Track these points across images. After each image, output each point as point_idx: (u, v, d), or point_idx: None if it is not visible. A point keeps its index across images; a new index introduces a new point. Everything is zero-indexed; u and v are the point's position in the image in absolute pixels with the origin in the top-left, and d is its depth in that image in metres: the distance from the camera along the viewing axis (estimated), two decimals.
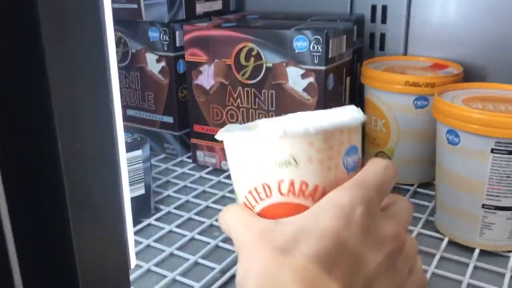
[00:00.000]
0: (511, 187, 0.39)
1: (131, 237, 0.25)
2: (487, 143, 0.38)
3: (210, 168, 0.58)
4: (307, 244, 0.21)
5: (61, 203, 0.19)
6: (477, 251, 0.42)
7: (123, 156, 0.24)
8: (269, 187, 0.27)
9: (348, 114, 0.28)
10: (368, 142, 0.55)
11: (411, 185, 0.53)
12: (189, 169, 0.59)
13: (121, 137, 0.24)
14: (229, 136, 0.29)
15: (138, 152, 0.44)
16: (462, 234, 0.42)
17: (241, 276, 0.22)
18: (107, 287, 0.22)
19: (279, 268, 0.21)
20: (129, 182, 0.44)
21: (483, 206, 0.40)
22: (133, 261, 0.26)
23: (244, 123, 0.52)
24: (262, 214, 0.27)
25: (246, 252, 0.23)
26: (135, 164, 0.44)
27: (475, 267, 0.40)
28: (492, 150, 0.38)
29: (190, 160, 0.60)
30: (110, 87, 0.22)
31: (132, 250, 0.26)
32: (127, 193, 0.25)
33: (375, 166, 0.25)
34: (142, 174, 0.45)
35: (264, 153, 0.27)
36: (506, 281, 0.38)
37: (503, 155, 0.38)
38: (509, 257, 0.41)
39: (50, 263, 0.20)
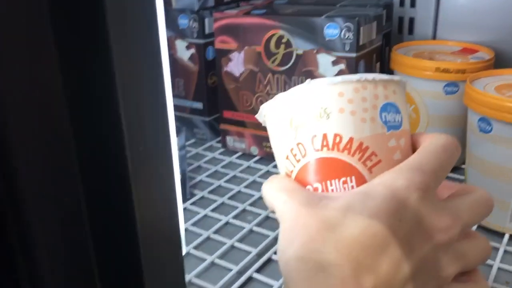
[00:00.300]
0: None
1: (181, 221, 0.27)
2: None
3: (239, 153, 0.60)
4: (354, 223, 0.20)
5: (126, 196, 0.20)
6: (507, 236, 0.42)
7: (175, 148, 0.25)
8: (303, 145, 0.27)
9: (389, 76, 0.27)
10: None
11: None
12: (219, 154, 0.60)
13: (172, 132, 0.25)
14: (264, 106, 0.29)
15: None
16: (492, 220, 0.43)
17: (283, 246, 0.21)
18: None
19: (324, 244, 0.20)
20: None
21: None
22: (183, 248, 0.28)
23: None
24: (299, 176, 0.26)
25: (290, 222, 0.22)
26: None
27: (505, 252, 0.41)
28: None
29: (219, 145, 0.62)
30: (163, 86, 0.23)
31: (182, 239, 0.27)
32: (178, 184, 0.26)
33: (434, 145, 0.23)
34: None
35: (294, 109, 0.27)
36: None
37: None
38: None
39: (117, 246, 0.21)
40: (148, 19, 0.20)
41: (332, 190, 0.24)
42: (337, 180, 0.25)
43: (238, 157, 0.59)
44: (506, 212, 0.42)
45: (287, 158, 0.27)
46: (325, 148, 0.26)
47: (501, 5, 0.56)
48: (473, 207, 0.23)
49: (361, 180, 0.24)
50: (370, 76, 0.26)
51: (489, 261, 0.39)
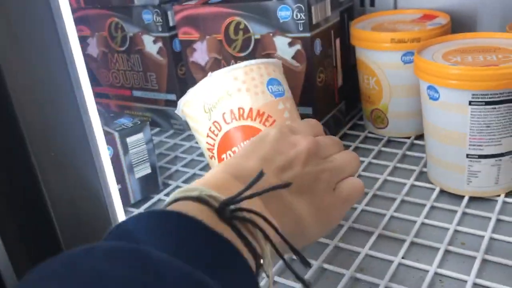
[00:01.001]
0: (491, 136, 0.40)
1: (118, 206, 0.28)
2: (465, 96, 0.40)
3: None
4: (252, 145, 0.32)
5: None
6: (466, 199, 0.44)
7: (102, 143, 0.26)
8: (218, 123, 0.38)
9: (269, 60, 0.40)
10: (364, 100, 0.57)
11: (408, 137, 0.55)
12: (196, 143, 0.62)
13: (96, 126, 0.26)
14: (180, 102, 0.40)
15: (140, 135, 0.48)
16: (451, 184, 0.44)
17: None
18: None
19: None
20: (135, 163, 0.48)
21: (468, 156, 0.42)
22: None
23: None
24: (220, 146, 0.38)
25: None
26: (138, 147, 0.48)
27: (464, 213, 0.42)
28: (470, 103, 0.40)
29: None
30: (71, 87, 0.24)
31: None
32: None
33: (306, 121, 0.36)
34: (147, 155, 0.48)
35: (205, 97, 0.38)
36: (492, 223, 0.40)
37: (480, 107, 0.39)
38: (496, 201, 0.43)
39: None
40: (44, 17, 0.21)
41: None
42: (247, 141, 0.36)
43: None
44: (462, 175, 0.43)
45: (207, 136, 0.38)
46: (234, 120, 0.37)
47: None
48: (347, 159, 0.34)
49: None
50: (253, 61, 0.38)
51: (446, 224, 0.41)
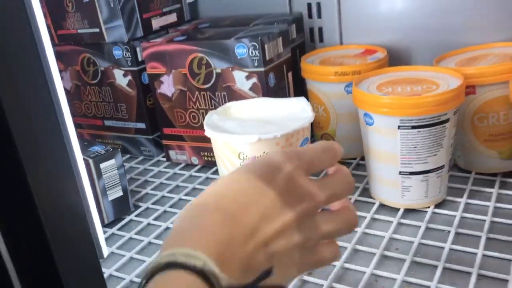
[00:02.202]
0: (419, 156, 0.47)
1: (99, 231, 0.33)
2: (394, 122, 0.46)
3: (182, 164, 0.67)
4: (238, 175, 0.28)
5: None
6: (401, 211, 0.50)
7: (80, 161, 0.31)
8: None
9: (300, 108, 0.48)
10: (315, 126, 0.63)
11: (354, 159, 0.61)
12: (164, 167, 0.67)
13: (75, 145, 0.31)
14: (217, 135, 0.45)
15: (112, 161, 0.52)
16: (388, 198, 0.51)
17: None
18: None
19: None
20: (108, 187, 0.53)
21: (400, 173, 0.48)
22: (105, 251, 0.35)
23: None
24: None
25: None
26: (110, 172, 0.52)
27: (399, 223, 0.49)
28: (399, 127, 0.46)
29: (164, 159, 0.69)
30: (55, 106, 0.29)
31: (102, 242, 0.34)
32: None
33: (315, 145, 0.31)
34: (118, 179, 0.53)
35: (246, 149, 0.43)
36: (421, 231, 0.46)
37: (408, 130, 0.46)
38: (426, 212, 0.49)
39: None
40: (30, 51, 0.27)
41: None
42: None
43: (180, 168, 0.66)
44: (397, 190, 0.49)
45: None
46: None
47: (394, 10, 0.63)
48: (343, 182, 0.31)
49: None
50: (294, 128, 0.44)
51: (384, 233, 0.47)
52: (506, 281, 0.39)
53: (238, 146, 0.43)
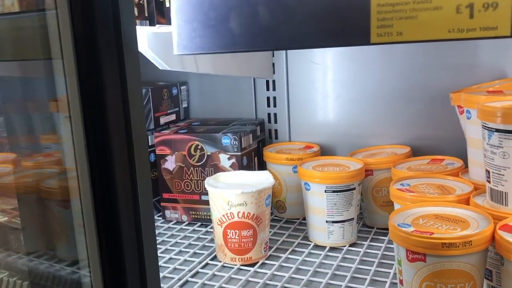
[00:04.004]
0: (338, 210, 0.76)
1: None
2: (322, 187, 0.75)
3: (174, 221, 0.91)
4: None
5: None
6: (327, 248, 0.77)
7: None
8: (232, 214, 0.70)
9: (265, 177, 0.75)
10: (272, 194, 0.91)
11: (299, 218, 0.89)
12: (160, 223, 0.91)
13: None
14: (215, 188, 0.72)
15: None
16: (319, 239, 0.78)
17: None
18: None
19: None
20: None
21: (326, 222, 0.76)
22: None
23: (195, 191, 0.87)
24: (229, 225, 0.70)
25: None
26: None
27: (326, 256, 0.75)
28: (325, 191, 0.75)
29: (160, 218, 0.93)
30: None
31: None
32: None
33: None
34: None
35: (233, 198, 0.70)
36: (337, 260, 0.73)
37: (331, 193, 0.75)
38: (343, 249, 0.77)
39: None
40: None
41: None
42: (245, 231, 0.70)
43: (173, 224, 0.91)
44: (325, 233, 0.77)
45: (222, 216, 0.70)
46: (243, 218, 0.70)
47: (326, 121, 0.96)
48: None
49: (255, 231, 0.70)
50: (264, 185, 0.71)
51: (308, 267, 0.73)
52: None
53: (228, 196, 0.70)
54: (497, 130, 0.55)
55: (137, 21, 0.83)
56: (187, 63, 0.68)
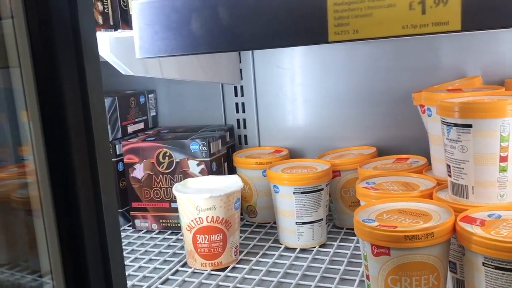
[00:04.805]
0: (307, 211, 0.76)
1: None
2: (291, 189, 0.76)
3: (144, 230, 0.90)
4: None
5: None
6: (298, 250, 0.77)
7: None
8: (201, 218, 0.69)
9: (234, 181, 0.73)
10: (242, 199, 0.91)
11: (269, 222, 0.89)
12: (130, 233, 0.90)
13: None
14: (183, 194, 0.71)
15: None
16: (289, 241, 0.78)
17: None
18: None
19: None
20: None
21: (296, 223, 0.77)
22: None
23: (165, 199, 0.86)
24: (198, 230, 0.69)
25: None
26: None
27: (296, 257, 0.75)
28: (294, 193, 0.76)
29: (130, 228, 0.92)
30: None
31: None
32: None
33: None
34: None
35: (202, 203, 0.69)
36: (307, 261, 0.73)
37: (300, 194, 0.75)
38: (312, 250, 0.77)
39: None
40: None
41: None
42: (214, 235, 0.69)
43: (143, 233, 0.90)
44: (295, 235, 0.77)
45: (191, 221, 0.70)
46: (212, 222, 0.69)
47: (295, 125, 0.96)
48: None
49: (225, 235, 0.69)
50: (232, 189, 0.71)
51: (278, 269, 0.73)
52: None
53: (196, 201, 0.69)
54: (455, 125, 0.56)
55: (102, 30, 0.83)
56: (151, 68, 0.68)
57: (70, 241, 0.40)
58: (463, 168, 0.57)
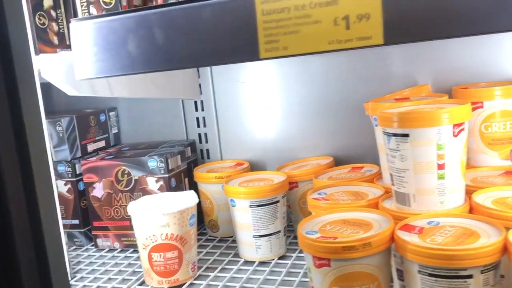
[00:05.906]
0: (264, 224, 0.76)
1: None
2: (247, 203, 0.76)
3: (107, 249, 0.90)
4: None
5: None
6: (256, 262, 0.77)
7: None
8: (155, 236, 0.69)
9: (189, 197, 0.72)
10: (204, 214, 0.91)
11: (231, 236, 0.89)
12: (93, 252, 0.89)
13: None
14: (137, 212, 0.71)
15: None
16: (248, 254, 0.78)
17: None
18: None
19: None
20: None
21: (253, 236, 0.77)
22: None
23: (125, 217, 0.86)
24: (153, 248, 0.69)
25: None
26: None
27: (254, 271, 0.76)
28: (250, 206, 0.76)
29: (93, 247, 0.91)
30: None
31: None
32: None
33: None
34: None
35: (155, 220, 0.69)
36: (265, 274, 0.74)
37: (256, 208, 0.76)
38: (271, 262, 0.77)
39: None
40: None
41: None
42: (169, 253, 0.69)
43: (105, 252, 0.89)
44: (253, 248, 0.77)
45: (146, 239, 0.70)
46: (167, 239, 0.69)
47: (254, 139, 0.97)
48: None
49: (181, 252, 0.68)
50: (187, 205, 0.71)
51: (235, 283, 0.73)
52: None
53: (149, 219, 0.69)
54: (394, 135, 0.57)
55: (58, 50, 0.83)
56: (99, 88, 0.68)
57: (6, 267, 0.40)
58: (403, 177, 0.57)
